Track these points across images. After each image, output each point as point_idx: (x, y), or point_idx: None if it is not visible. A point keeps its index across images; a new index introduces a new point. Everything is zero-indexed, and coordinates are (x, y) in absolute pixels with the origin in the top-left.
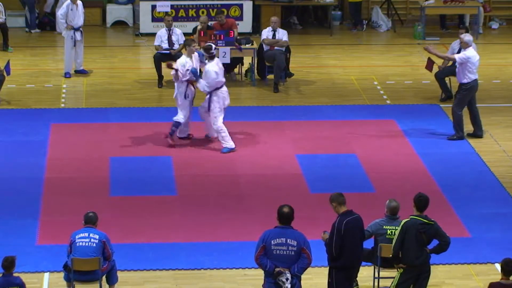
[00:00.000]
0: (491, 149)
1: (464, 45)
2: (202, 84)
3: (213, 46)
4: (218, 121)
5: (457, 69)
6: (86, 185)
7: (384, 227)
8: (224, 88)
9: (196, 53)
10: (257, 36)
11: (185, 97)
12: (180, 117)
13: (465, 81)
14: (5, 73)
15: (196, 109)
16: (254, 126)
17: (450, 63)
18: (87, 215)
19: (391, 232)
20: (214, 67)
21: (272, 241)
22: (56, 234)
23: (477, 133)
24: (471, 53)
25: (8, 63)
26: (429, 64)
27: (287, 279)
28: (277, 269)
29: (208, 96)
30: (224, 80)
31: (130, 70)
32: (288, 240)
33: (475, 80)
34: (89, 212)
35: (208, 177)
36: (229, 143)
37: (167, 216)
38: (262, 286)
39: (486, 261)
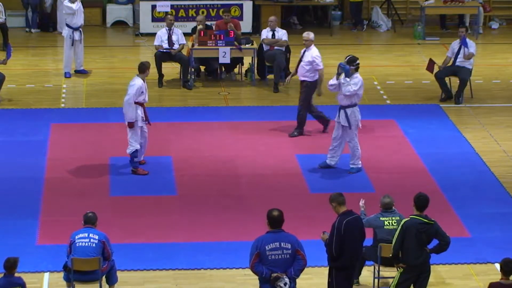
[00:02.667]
0: (491, 149)
1: (309, 43)
2: (347, 88)
3: (353, 57)
4: (356, 138)
5: (302, 67)
6: (86, 185)
7: (380, 218)
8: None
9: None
10: (257, 36)
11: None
12: (134, 145)
13: (312, 80)
14: (6, 59)
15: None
16: (254, 126)
17: (450, 63)
18: (86, 215)
19: (389, 222)
20: (360, 78)
21: (266, 247)
22: (56, 234)
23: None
24: (317, 52)
25: (9, 46)
26: (430, 65)
27: (285, 284)
28: (274, 275)
29: (343, 112)
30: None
31: (130, 70)
32: (282, 244)
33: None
34: (89, 212)
35: (208, 177)
36: (359, 163)
37: (167, 216)
38: None
39: (486, 261)
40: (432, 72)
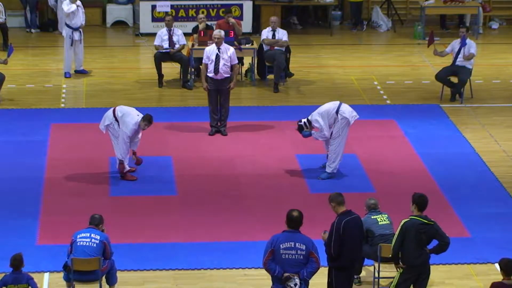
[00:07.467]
0: (491, 149)
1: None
2: (317, 135)
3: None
4: (339, 144)
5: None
6: (86, 185)
7: (372, 217)
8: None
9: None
10: (257, 36)
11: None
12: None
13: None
14: (7, 59)
15: None
16: (254, 126)
17: (451, 62)
18: (92, 216)
19: (380, 219)
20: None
21: (281, 245)
22: (56, 234)
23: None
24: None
25: (10, 46)
26: (430, 38)
27: (295, 285)
28: (285, 274)
29: None
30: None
31: (130, 70)
32: (297, 244)
33: None
34: (95, 214)
35: (208, 177)
36: (333, 170)
37: (167, 216)
38: None
39: (486, 261)
40: (431, 44)
